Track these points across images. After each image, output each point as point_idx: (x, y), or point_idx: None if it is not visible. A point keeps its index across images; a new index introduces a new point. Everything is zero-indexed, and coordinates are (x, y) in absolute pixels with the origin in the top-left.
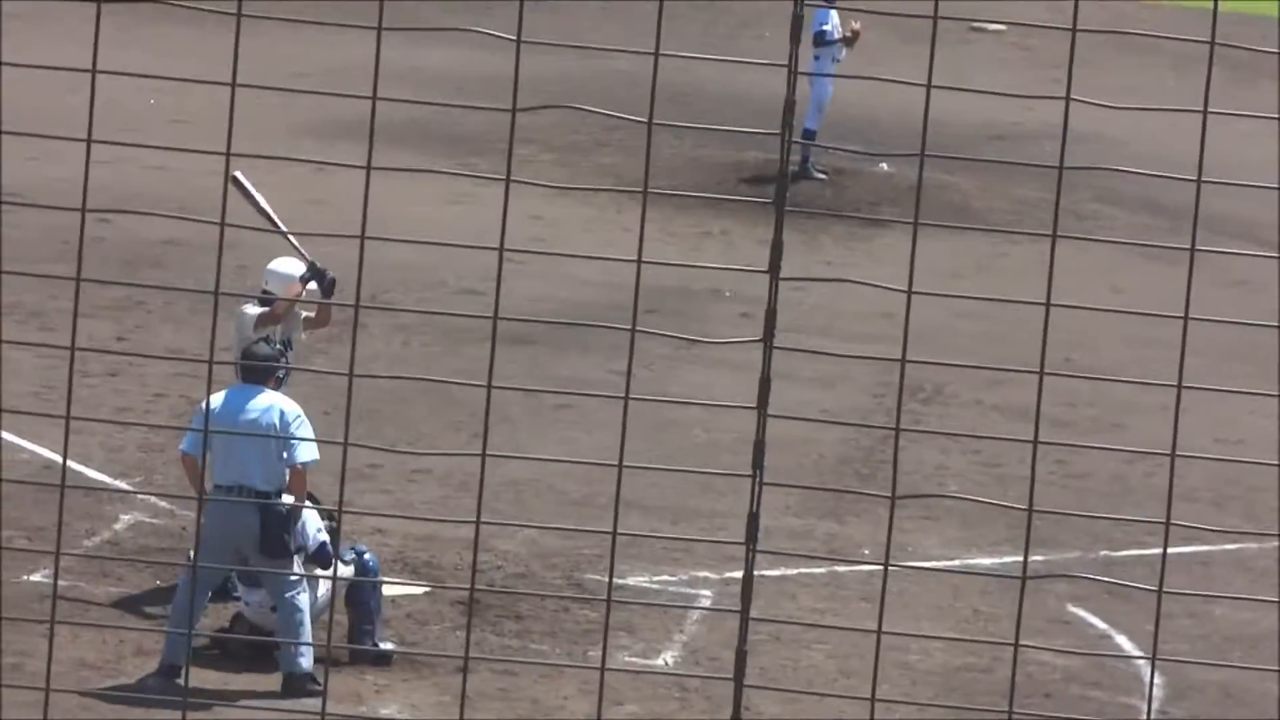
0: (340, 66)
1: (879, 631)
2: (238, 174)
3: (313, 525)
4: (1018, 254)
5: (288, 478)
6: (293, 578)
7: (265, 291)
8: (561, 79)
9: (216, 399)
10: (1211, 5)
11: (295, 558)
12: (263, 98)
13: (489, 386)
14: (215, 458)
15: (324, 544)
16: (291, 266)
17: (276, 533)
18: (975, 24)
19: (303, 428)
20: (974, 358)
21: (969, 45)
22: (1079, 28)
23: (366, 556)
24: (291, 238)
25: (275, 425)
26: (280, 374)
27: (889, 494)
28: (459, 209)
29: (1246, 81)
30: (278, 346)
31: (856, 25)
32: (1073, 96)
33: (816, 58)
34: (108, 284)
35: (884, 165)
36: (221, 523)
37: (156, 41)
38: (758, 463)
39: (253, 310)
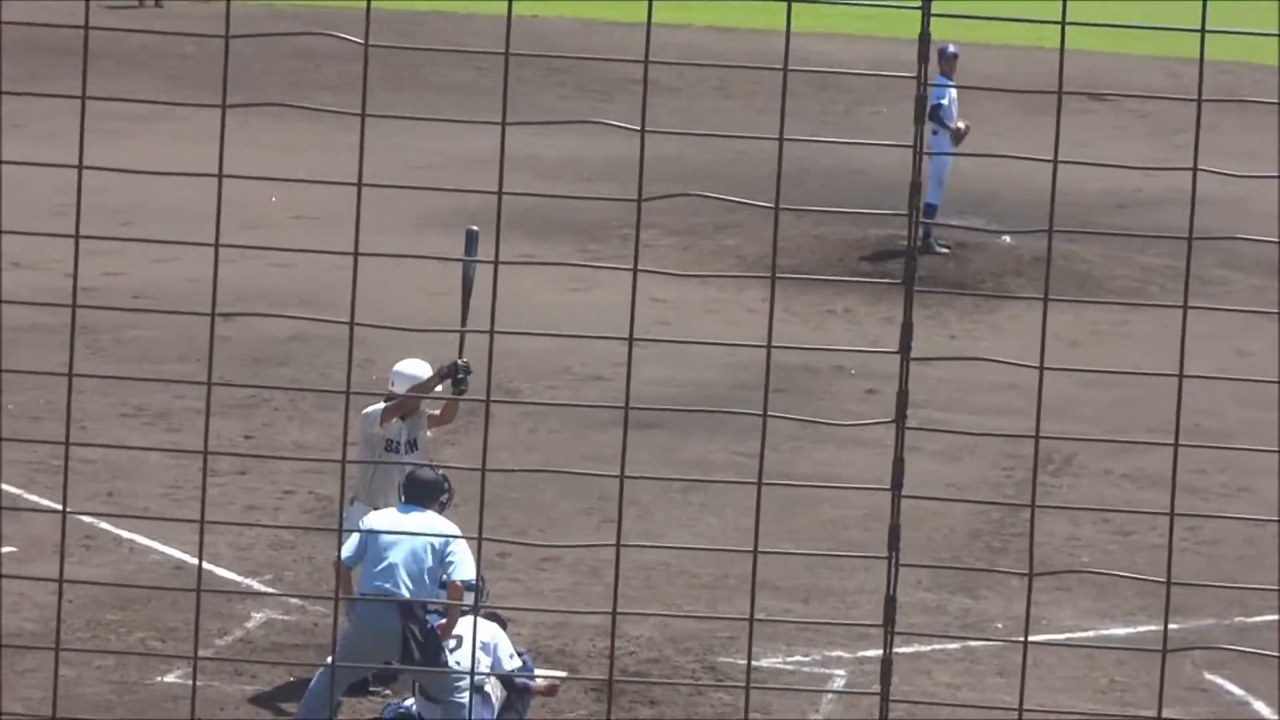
0: (463, 156)
1: (1020, 710)
2: (474, 228)
3: (505, 650)
4: (1140, 320)
5: (443, 595)
6: (459, 683)
7: (391, 393)
8: (680, 160)
9: (378, 517)
10: None
11: (450, 658)
12: (387, 191)
13: (621, 476)
14: (368, 570)
15: (514, 671)
16: (418, 368)
17: (419, 643)
18: (1093, 91)
19: (460, 549)
20: (1102, 425)
21: (1088, 115)
22: (1204, 98)
23: (525, 657)
24: (469, 318)
25: (433, 545)
26: (444, 498)
27: (1024, 570)
28: (582, 295)
29: None
30: (440, 473)
31: (964, 124)
32: (1200, 167)
33: (935, 132)
34: (239, 386)
35: (1006, 238)
36: (366, 629)
37: (277, 137)
38: (893, 544)
39: (378, 406)
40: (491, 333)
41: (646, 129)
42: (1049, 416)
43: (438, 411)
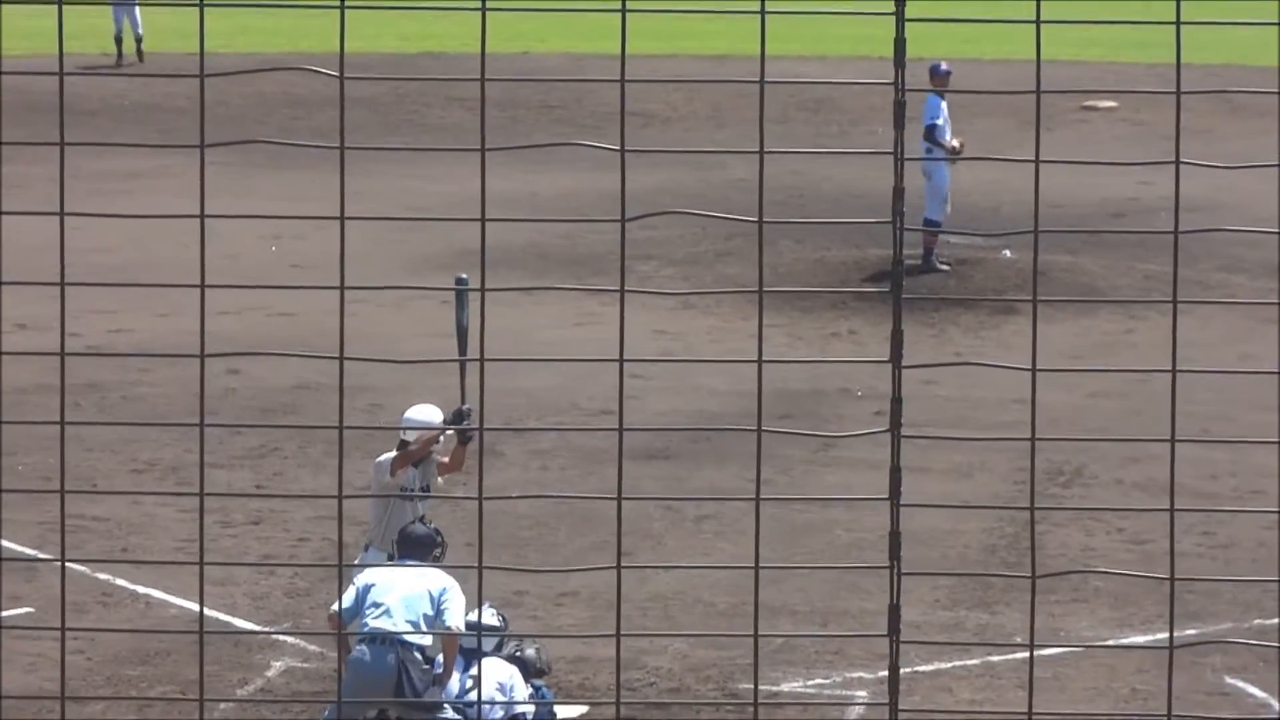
0: (459, 200)
1: (1030, 713)
2: (464, 276)
3: (520, 695)
4: (1144, 330)
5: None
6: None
7: (403, 442)
8: (678, 192)
9: (374, 572)
10: None
11: (437, 691)
12: (382, 236)
13: (619, 499)
14: (366, 618)
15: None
16: (429, 413)
17: (413, 685)
18: (1086, 103)
19: (454, 598)
20: (1109, 436)
21: (1082, 125)
22: (1183, 89)
23: (545, 691)
24: (465, 366)
25: (430, 592)
26: (437, 553)
27: (1029, 574)
28: (585, 330)
29: None
30: (432, 528)
31: (959, 141)
32: (1183, 160)
33: (929, 150)
34: (235, 427)
35: (1007, 252)
36: (361, 669)
37: (272, 188)
38: (894, 553)
39: (389, 455)
40: (482, 360)
41: (626, 149)
42: (1057, 429)
43: (446, 459)
